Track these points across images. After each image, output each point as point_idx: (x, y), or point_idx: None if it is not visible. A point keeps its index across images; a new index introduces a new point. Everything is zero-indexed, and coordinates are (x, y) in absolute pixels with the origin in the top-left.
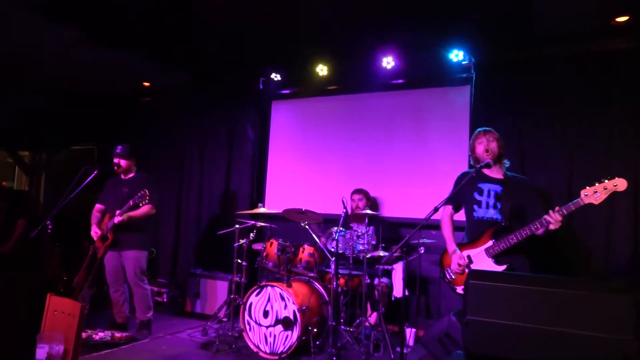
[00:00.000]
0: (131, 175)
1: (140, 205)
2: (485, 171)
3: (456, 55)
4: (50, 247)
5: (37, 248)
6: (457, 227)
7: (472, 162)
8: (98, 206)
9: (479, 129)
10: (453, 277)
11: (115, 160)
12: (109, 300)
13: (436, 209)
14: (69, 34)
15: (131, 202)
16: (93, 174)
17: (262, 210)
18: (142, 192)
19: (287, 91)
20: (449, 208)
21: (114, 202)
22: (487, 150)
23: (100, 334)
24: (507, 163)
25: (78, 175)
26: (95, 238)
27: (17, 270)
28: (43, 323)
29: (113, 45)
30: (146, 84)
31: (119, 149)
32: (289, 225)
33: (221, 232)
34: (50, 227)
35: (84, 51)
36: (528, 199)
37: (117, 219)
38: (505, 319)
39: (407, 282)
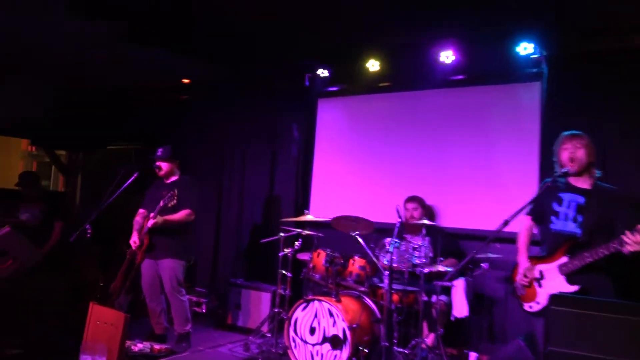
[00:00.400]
0: (174, 178)
1: (169, 205)
2: (571, 180)
3: (525, 48)
4: (87, 251)
5: (74, 252)
6: (534, 241)
7: (556, 169)
8: (141, 211)
9: (565, 133)
10: (523, 292)
11: (157, 162)
12: (146, 309)
13: (506, 222)
14: (109, 29)
15: (161, 203)
16: (133, 177)
17: (308, 217)
18: (170, 192)
19: (335, 88)
20: (528, 220)
21: (154, 206)
22: (572, 160)
23: (140, 345)
24: (597, 173)
25: (118, 177)
26: (133, 247)
27: (53, 274)
28: (86, 332)
29: (153, 40)
30: (186, 80)
31: (159, 151)
32: (337, 234)
33: (265, 240)
34: (89, 231)
35: (124, 47)
36: (617, 213)
37: (150, 222)
38: (592, 352)
39: (469, 300)
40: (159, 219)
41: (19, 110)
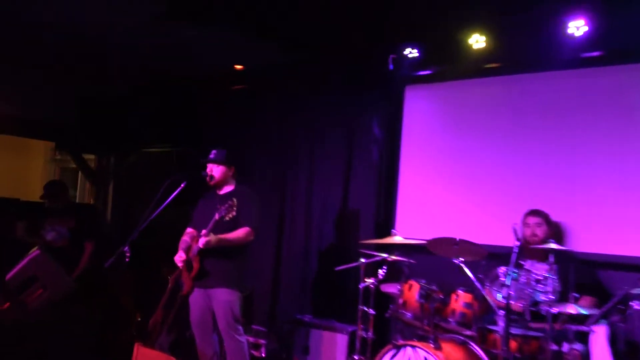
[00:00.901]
0: (229, 189)
1: (226, 218)
2: None
3: None
4: (123, 279)
5: (107, 279)
6: None
7: None
8: (189, 231)
9: None
10: None
11: (208, 168)
12: (193, 350)
13: None
14: (149, 9)
15: (217, 216)
16: (180, 187)
17: (397, 239)
18: (230, 201)
19: (427, 72)
20: None
21: (206, 224)
22: None
23: None
24: None
25: (163, 188)
26: (179, 264)
27: (85, 305)
28: None
29: (199, 18)
30: (238, 67)
31: (213, 153)
32: (434, 261)
33: (340, 267)
34: (127, 254)
35: (165, 29)
36: None
37: (202, 241)
38: None
39: (615, 351)
40: (213, 237)
41: (39, 108)
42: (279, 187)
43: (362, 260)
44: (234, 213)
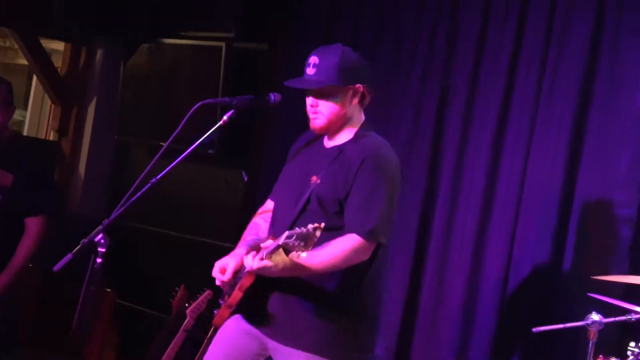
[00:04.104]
0: (346, 137)
1: (312, 240)
2: None
3: None
4: (92, 298)
5: (62, 294)
6: None
7: None
8: (269, 203)
9: None
10: None
11: (306, 82)
12: None
13: None
14: None
15: (303, 230)
16: (223, 120)
17: None
18: (337, 166)
19: None
20: None
21: (290, 202)
22: None
23: None
24: None
25: (182, 122)
26: (218, 283)
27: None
28: None
29: None
30: None
31: (314, 59)
32: None
33: (542, 329)
34: (102, 246)
35: None
36: None
37: (253, 264)
38: None
39: None
40: (278, 261)
41: None
42: (428, 165)
43: (595, 317)
44: (341, 195)
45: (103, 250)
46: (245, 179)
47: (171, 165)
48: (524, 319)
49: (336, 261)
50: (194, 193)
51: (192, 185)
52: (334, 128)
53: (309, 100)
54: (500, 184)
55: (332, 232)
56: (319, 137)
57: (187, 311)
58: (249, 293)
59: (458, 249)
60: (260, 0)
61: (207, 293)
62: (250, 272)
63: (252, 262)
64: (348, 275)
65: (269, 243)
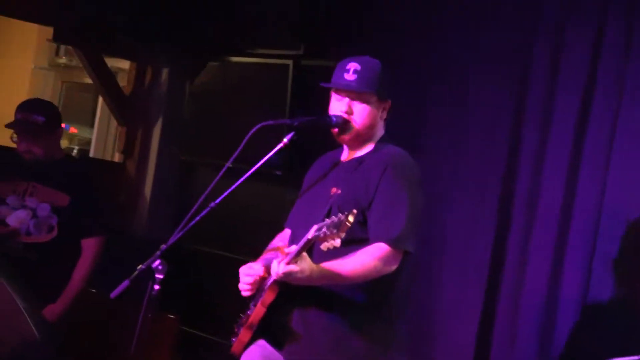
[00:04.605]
0: (366, 149)
1: (349, 218)
2: None
3: None
4: (153, 321)
5: (128, 321)
6: None
7: None
8: (286, 232)
9: None
10: None
11: (342, 104)
12: None
13: None
14: None
15: (334, 219)
16: (283, 142)
17: None
18: (356, 175)
19: None
20: None
21: (311, 216)
22: None
23: None
24: None
25: (242, 143)
26: (244, 293)
27: None
28: None
29: None
30: None
31: (354, 65)
32: None
33: None
34: (160, 272)
35: None
36: None
37: (278, 269)
38: None
39: None
40: (305, 266)
41: None
42: (501, 172)
43: None
44: (363, 204)
45: (161, 276)
46: None
47: (230, 189)
48: (602, 346)
49: (365, 270)
50: (261, 215)
51: (260, 208)
52: (361, 139)
53: (343, 106)
54: (578, 198)
55: (357, 244)
56: (329, 158)
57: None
58: (272, 309)
59: (534, 267)
60: (328, 18)
61: None
62: (274, 285)
63: (278, 267)
64: (376, 288)
65: (293, 248)
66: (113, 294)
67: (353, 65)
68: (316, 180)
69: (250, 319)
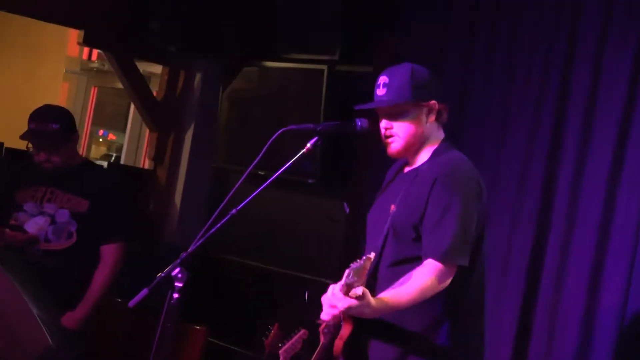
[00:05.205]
0: (425, 157)
1: (363, 271)
2: None
3: None
4: (173, 331)
5: (149, 330)
6: None
7: None
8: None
9: None
10: None
11: (377, 103)
12: None
13: None
14: None
15: (357, 264)
16: (308, 146)
17: None
18: (416, 188)
19: None
20: None
21: (374, 237)
22: None
23: None
24: None
25: (264, 149)
26: (325, 320)
27: None
28: None
29: None
30: None
31: (383, 78)
32: None
33: None
34: (179, 280)
35: None
36: None
37: (338, 304)
38: None
39: None
40: (371, 302)
41: None
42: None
43: None
44: (416, 220)
45: (180, 285)
46: (347, 210)
47: (252, 195)
48: None
49: (422, 291)
50: (293, 225)
51: (291, 217)
52: (412, 150)
53: (383, 124)
54: (618, 212)
55: (413, 263)
56: (399, 167)
57: (280, 351)
58: (350, 342)
59: (573, 283)
60: (364, 22)
61: (302, 332)
62: (347, 318)
63: (338, 300)
64: (440, 309)
65: (342, 282)
66: (131, 303)
67: (382, 80)
68: (382, 190)
69: (334, 354)
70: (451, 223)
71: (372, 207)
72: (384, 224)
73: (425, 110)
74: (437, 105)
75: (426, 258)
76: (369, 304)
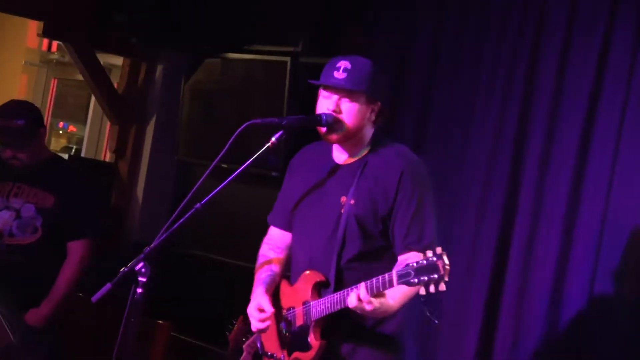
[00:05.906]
0: (361, 150)
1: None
2: None
3: None
4: (137, 326)
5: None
6: None
7: None
8: (273, 230)
9: None
10: None
11: (330, 102)
12: None
13: None
14: None
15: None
16: (273, 140)
17: None
18: (362, 181)
19: None
20: None
21: (322, 230)
22: None
23: None
24: None
25: (228, 143)
26: (255, 327)
27: None
28: None
29: None
30: None
31: (344, 63)
32: None
33: None
34: (143, 275)
35: None
36: None
37: (361, 301)
38: None
39: None
40: (382, 301)
41: None
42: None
43: None
44: (383, 213)
45: (144, 280)
46: None
47: (217, 189)
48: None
49: (411, 291)
50: (258, 218)
51: (257, 210)
52: (350, 140)
53: (331, 104)
54: (583, 206)
55: (378, 254)
56: (319, 152)
57: (244, 345)
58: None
59: (538, 276)
60: (328, 13)
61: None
62: (318, 322)
63: (358, 298)
64: None
65: (310, 273)
66: (94, 298)
67: (343, 64)
68: (316, 183)
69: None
70: (429, 215)
71: (306, 201)
72: (332, 216)
73: (371, 108)
74: (381, 108)
75: (406, 251)
76: (379, 304)
